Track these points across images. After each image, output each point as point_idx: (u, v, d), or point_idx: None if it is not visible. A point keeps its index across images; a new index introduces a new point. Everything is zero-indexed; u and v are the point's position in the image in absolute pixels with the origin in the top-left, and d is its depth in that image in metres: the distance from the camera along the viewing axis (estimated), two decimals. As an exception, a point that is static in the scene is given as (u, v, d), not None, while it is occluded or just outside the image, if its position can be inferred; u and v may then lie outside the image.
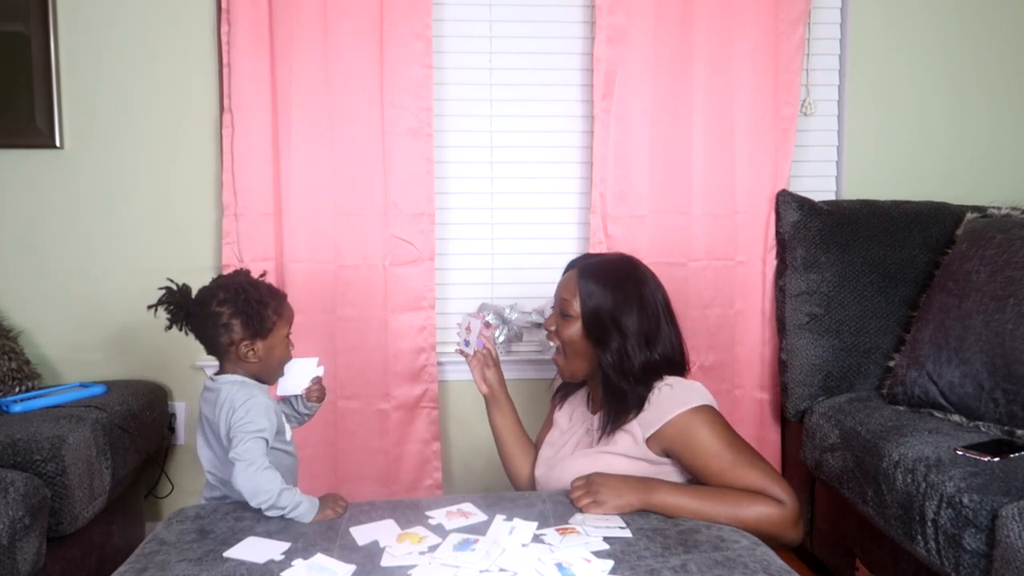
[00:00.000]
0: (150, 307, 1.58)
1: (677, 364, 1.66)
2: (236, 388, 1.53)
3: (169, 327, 1.58)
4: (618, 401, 1.59)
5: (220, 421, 1.52)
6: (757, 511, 1.45)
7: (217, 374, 1.60)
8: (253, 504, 1.44)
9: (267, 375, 1.61)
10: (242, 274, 1.62)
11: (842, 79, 2.50)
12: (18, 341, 2.24)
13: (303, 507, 1.44)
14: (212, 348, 1.59)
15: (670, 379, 1.59)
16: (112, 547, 2.08)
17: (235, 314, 1.53)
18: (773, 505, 1.46)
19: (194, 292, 1.58)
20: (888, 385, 2.08)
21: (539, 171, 2.46)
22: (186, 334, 1.59)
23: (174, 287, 1.57)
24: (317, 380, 1.69)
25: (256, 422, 1.48)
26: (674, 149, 2.32)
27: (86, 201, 2.33)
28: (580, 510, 1.46)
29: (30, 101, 2.27)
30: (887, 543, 1.79)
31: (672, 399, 1.55)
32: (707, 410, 1.54)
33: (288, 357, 1.63)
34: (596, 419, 1.67)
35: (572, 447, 1.70)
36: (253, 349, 1.55)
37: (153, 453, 2.29)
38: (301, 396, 1.69)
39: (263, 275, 1.65)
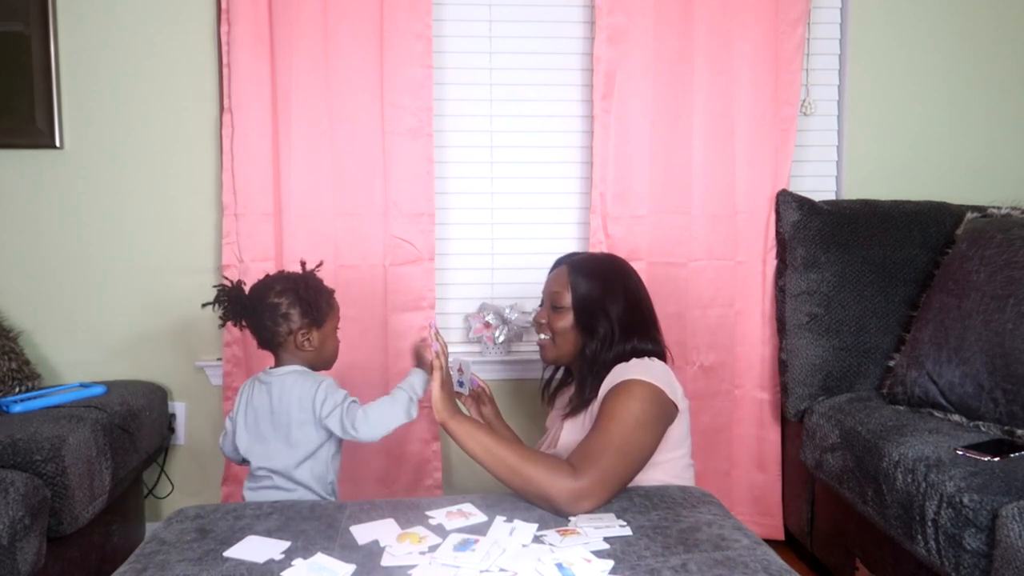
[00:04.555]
0: (205, 305, 1.66)
1: (657, 356, 1.71)
2: (301, 377, 1.61)
3: (223, 324, 1.67)
4: (586, 387, 1.69)
5: (291, 410, 1.58)
6: (541, 470, 1.45)
7: (273, 367, 1.66)
8: (398, 422, 1.59)
9: (321, 366, 1.70)
10: (284, 271, 1.72)
11: (842, 79, 2.51)
12: (18, 341, 2.24)
13: (416, 383, 1.63)
14: (269, 340, 1.65)
15: (636, 360, 1.64)
16: (112, 547, 2.08)
17: (294, 303, 1.61)
18: (563, 474, 1.43)
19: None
20: (888, 385, 2.08)
21: (539, 171, 2.46)
22: (241, 329, 1.66)
23: (229, 283, 1.65)
24: None
25: (338, 391, 1.60)
26: (674, 149, 2.32)
27: (86, 201, 2.33)
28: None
29: (30, 101, 2.27)
30: (887, 543, 1.79)
31: (622, 371, 1.61)
32: (643, 386, 1.56)
33: (338, 349, 1.73)
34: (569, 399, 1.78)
35: (554, 439, 1.77)
36: (309, 338, 1.63)
37: (153, 453, 2.29)
38: None
39: (319, 266, 1.74)
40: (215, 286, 1.66)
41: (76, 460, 1.80)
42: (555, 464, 1.47)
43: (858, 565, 1.94)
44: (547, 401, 1.94)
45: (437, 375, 1.57)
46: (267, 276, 1.69)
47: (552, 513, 1.44)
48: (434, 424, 2.35)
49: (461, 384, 1.83)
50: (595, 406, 1.62)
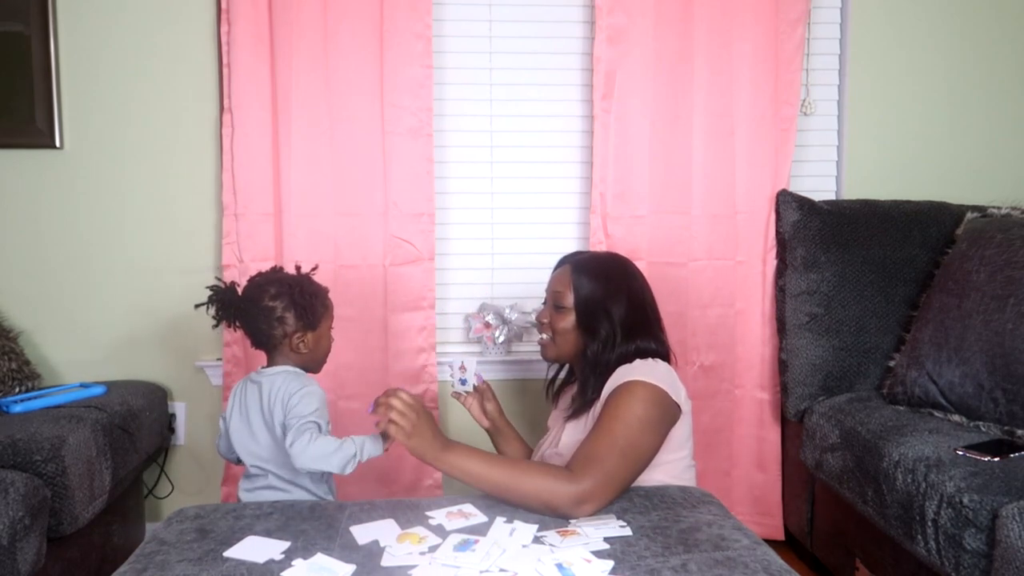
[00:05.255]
0: (198, 306, 1.65)
1: (661, 356, 1.70)
2: (291, 378, 1.60)
3: (217, 324, 1.65)
4: (588, 388, 1.67)
5: (275, 409, 1.57)
6: (539, 481, 1.44)
7: (265, 367, 1.65)
8: (331, 470, 1.49)
9: (314, 366, 1.69)
10: (281, 270, 1.70)
11: (842, 79, 2.51)
12: (18, 341, 2.24)
13: (367, 447, 1.51)
14: (263, 342, 1.64)
15: (639, 361, 1.63)
16: (112, 547, 2.08)
17: (288, 307, 1.60)
18: (562, 479, 1.43)
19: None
20: (888, 385, 2.08)
21: (539, 171, 2.46)
22: (235, 329, 1.65)
23: (222, 285, 1.64)
24: None
25: (311, 404, 1.55)
26: (674, 149, 2.32)
27: (86, 201, 2.33)
28: (382, 425, 1.46)
29: (30, 101, 2.27)
30: (887, 543, 1.79)
31: (625, 372, 1.59)
32: (646, 387, 1.55)
33: (330, 349, 1.72)
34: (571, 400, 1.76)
35: (555, 439, 1.75)
36: (304, 341, 1.62)
37: (153, 453, 2.29)
38: None
39: (314, 270, 1.73)
40: (208, 287, 1.65)
41: (76, 460, 1.80)
42: (552, 471, 1.47)
43: (858, 565, 1.94)
44: (551, 399, 1.93)
45: (400, 435, 1.44)
46: (260, 275, 1.67)
47: (556, 518, 1.44)
48: (435, 423, 2.34)
49: (463, 382, 1.83)
50: (597, 407, 1.61)
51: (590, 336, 1.68)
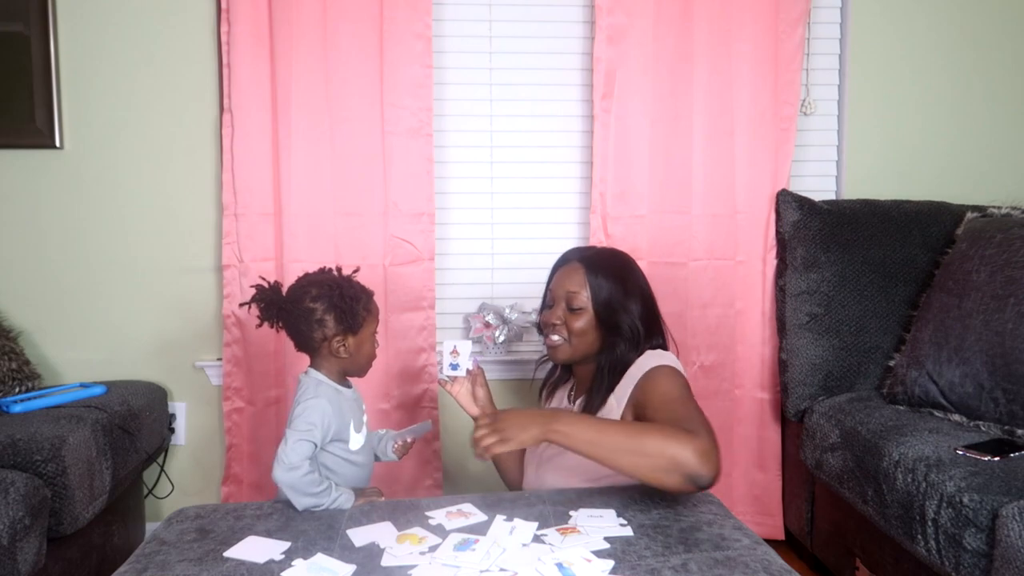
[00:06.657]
0: (242, 304, 1.63)
1: (662, 347, 1.73)
2: (310, 385, 1.58)
3: (260, 324, 1.61)
4: (604, 386, 1.65)
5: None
6: (662, 438, 1.37)
7: (310, 367, 1.64)
8: (295, 503, 1.48)
9: (356, 370, 1.65)
10: (328, 272, 1.66)
11: (842, 79, 2.51)
12: (18, 341, 2.24)
13: (342, 499, 1.50)
14: (304, 344, 1.61)
15: (648, 351, 1.67)
16: (112, 547, 2.08)
17: (329, 309, 1.57)
18: (682, 434, 1.38)
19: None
20: (888, 385, 2.08)
21: (539, 171, 2.46)
22: (277, 330, 1.62)
23: (266, 284, 1.61)
24: (409, 442, 1.77)
25: (308, 420, 1.52)
26: (674, 149, 2.32)
27: (86, 201, 2.33)
28: (480, 452, 1.42)
29: (30, 101, 2.27)
30: (887, 543, 1.79)
31: (640, 365, 1.63)
32: (671, 369, 1.60)
33: (374, 354, 1.67)
34: (578, 403, 1.74)
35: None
36: (344, 344, 1.59)
37: (153, 453, 2.29)
38: (391, 444, 1.74)
39: (356, 271, 1.69)
40: (252, 286, 1.63)
41: (76, 460, 1.80)
42: (665, 428, 1.40)
43: (858, 565, 1.94)
44: (544, 397, 1.89)
45: (500, 447, 1.41)
46: (304, 276, 1.64)
47: (671, 488, 1.38)
48: (435, 423, 2.35)
49: (454, 367, 1.78)
50: (610, 404, 1.62)
51: (613, 336, 1.67)
